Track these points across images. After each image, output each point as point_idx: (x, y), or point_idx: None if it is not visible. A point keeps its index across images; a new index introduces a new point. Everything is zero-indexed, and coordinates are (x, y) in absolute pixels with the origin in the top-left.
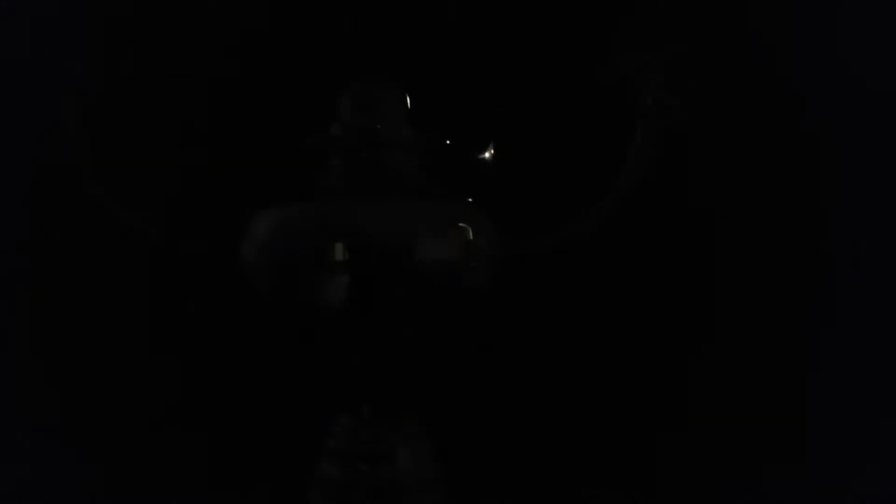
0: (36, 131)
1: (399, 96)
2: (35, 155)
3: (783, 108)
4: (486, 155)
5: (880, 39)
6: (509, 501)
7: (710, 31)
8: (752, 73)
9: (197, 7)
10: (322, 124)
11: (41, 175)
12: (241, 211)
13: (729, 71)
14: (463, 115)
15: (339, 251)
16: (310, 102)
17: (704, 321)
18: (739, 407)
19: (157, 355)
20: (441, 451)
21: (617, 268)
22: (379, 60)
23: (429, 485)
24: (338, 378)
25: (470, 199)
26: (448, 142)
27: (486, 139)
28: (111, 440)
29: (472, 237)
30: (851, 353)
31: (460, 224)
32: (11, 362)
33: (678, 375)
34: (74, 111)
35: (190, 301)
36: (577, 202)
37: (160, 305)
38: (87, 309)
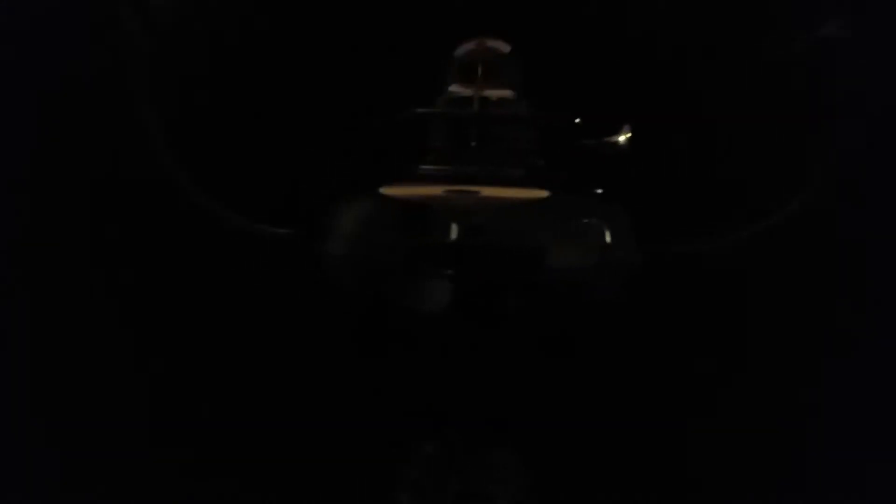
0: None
1: (516, 62)
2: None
3: None
4: (621, 139)
5: None
6: None
7: None
8: None
9: None
10: (424, 96)
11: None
12: (329, 197)
13: None
14: (595, 89)
15: (447, 250)
16: (410, 70)
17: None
18: None
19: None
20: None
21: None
22: (493, 18)
23: None
24: (425, 397)
25: (600, 191)
26: (577, 120)
27: (621, 120)
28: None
29: (608, 240)
30: None
31: (595, 222)
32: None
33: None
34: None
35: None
36: (729, 206)
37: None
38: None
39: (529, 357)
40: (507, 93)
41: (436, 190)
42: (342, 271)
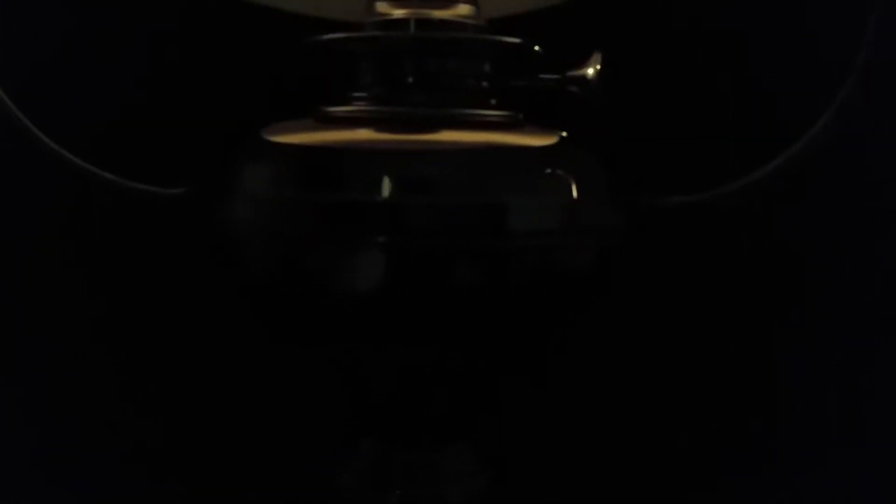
0: None
1: None
2: None
3: None
4: (589, 71)
5: None
6: None
7: None
8: None
9: None
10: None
11: None
12: (231, 147)
13: None
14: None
15: (381, 212)
16: None
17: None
18: None
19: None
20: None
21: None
22: None
23: None
24: (361, 387)
25: (565, 134)
26: (537, 48)
27: (589, 49)
28: None
29: (576, 195)
30: None
31: (560, 174)
32: None
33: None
34: None
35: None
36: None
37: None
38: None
39: (487, 342)
40: (456, 11)
41: (365, 134)
42: (247, 240)
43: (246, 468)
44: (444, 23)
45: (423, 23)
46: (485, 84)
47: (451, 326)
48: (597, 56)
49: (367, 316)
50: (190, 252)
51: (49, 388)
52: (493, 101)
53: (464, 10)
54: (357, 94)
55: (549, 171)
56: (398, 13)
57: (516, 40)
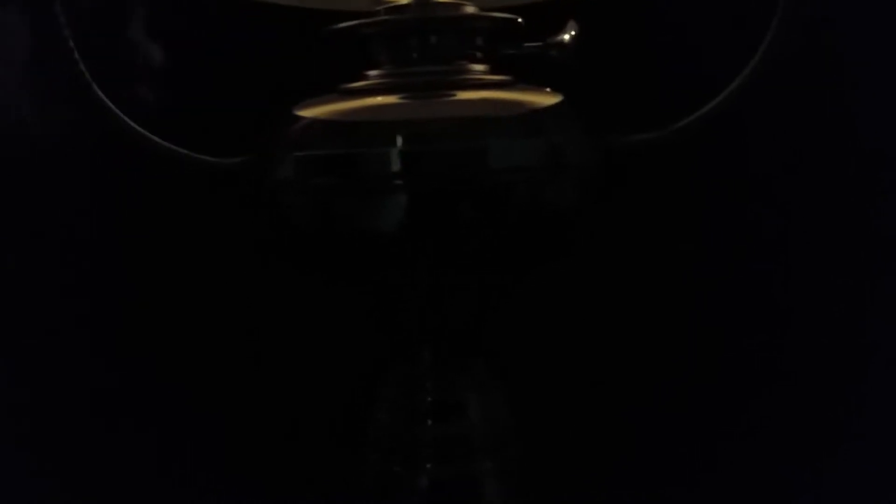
0: None
1: None
2: None
3: None
4: (566, 37)
5: None
6: (588, 457)
7: None
8: None
9: None
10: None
11: None
12: (259, 117)
13: None
14: None
15: (394, 161)
16: None
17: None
18: None
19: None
20: (514, 399)
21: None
22: None
23: (503, 439)
24: (392, 318)
25: (548, 90)
26: (519, 20)
27: (565, 17)
28: None
29: (557, 138)
30: None
31: (543, 121)
32: None
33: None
34: None
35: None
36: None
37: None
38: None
39: (491, 268)
40: None
41: (378, 100)
42: (293, 193)
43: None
44: (440, 5)
45: (423, 5)
46: (478, 53)
47: (460, 252)
48: (572, 23)
49: (390, 247)
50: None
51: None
52: (487, 67)
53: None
54: (371, 72)
55: (534, 117)
56: None
57: (503, 15)
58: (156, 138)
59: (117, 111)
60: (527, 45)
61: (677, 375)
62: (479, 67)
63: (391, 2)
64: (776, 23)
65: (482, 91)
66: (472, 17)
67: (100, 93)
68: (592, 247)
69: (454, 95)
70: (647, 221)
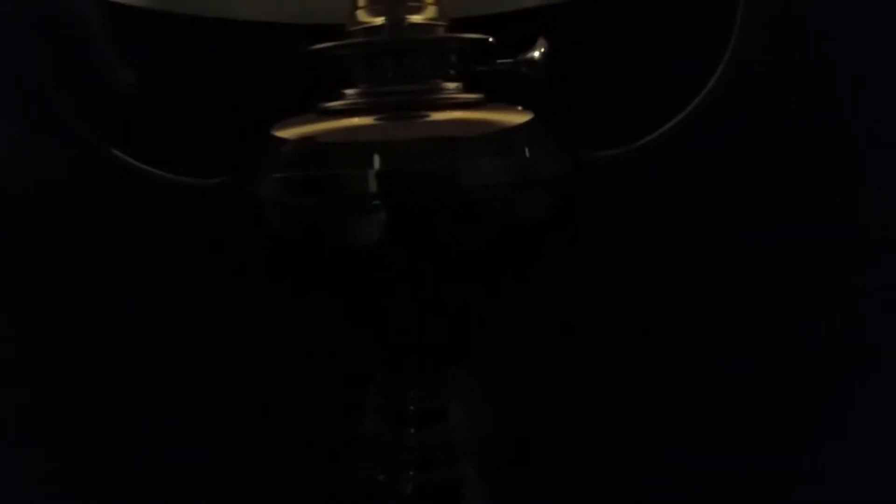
0: None
1: None
2: None
3: None
4: (535, 55)
5: None
6: (569, 461)
7: None
8: None
9: None
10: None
11: None
12: (237, 136)
13: None
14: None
15: (371, 182)
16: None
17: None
18: None
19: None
20: (495, 405)
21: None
22: None
23: (485, 443)
24: (375, 329)
25: (520, 108)
26: (490, 40)
27: (534, 35)
28: None
29: (527, 154)
30: None
31: (513, 139)
32: None
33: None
34: None
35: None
36: (649, 109)
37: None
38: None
39: (467, 278)
40: (425, 15)
41: (356, 121)
42: (274, 212)
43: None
44: (414, 26)
45: (398, 27)
46: (451, 72)
47: (437, 265)
48: (541, 41)
49: (370, 260)
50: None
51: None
52: (460, 85)
53: (430, 12)
54: (348, 91)
55: (505, 135)
56: (377, 20)
57: (476, 36)
58: (135, 162)
59: (94, 138)
60: (499, 61)
61: (658, 379)
62: (452, 86)
63: (366, 22)
64: (734, 41)
65: (455, 111)
66: (445, 38)
67: (78, 120)
68: (571, 252)
69: (428, 116)
70: (622, 230)
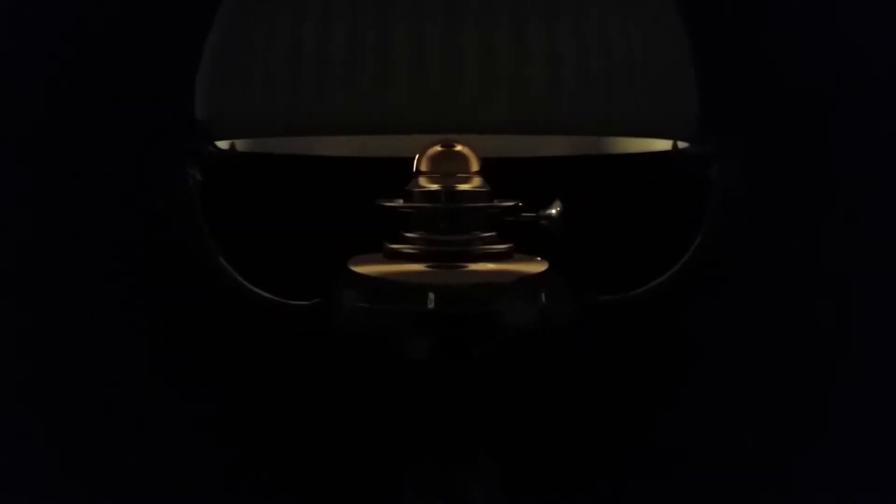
0: None
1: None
2: None
3: None
4: (553, 211)
5: None
6: None
7: None
8: None
9: None
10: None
11: None
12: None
13: None
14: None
15: (424, 318)
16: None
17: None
18: None
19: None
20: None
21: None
22: None
23: None
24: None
25: (539, 258)
26: (520, 203)
27: (551, 196)
28: None
29: (546, 301)
30: None
31: (539, 290)
32: None
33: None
34: None
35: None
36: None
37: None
38: None
39: (497, 385)
40: (471, 185)
41: (415, 267)
42: (349, 334)
43: None
44: (462, 193)
45: (450, 192)
46: (488, 224)
47: (467, 373)
48: (557, 201)
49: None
50: None
51: None
52: (494, 234)
53: (476, 182)
54: (410, 235)
55: (528, 282)
56: (433, 187)
57: (510, 203)
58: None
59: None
60: (523, 215)
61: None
62: (487, 235)
63: (425, 187)
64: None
65: (492, 262)
66: (486, 207)
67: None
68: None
69: (467, 267)
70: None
